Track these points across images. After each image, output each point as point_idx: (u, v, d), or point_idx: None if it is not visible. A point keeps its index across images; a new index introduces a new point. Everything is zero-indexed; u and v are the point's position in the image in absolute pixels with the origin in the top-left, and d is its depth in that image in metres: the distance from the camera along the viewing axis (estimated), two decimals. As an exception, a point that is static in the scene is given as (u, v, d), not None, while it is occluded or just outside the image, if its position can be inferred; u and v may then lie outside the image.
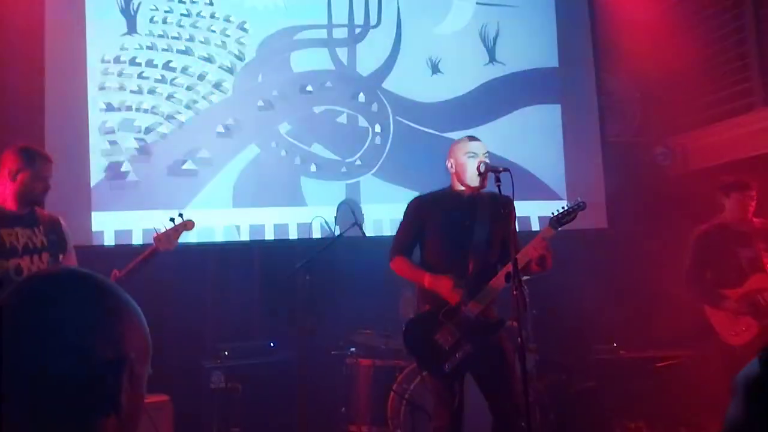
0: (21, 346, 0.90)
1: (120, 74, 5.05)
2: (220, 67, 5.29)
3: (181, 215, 3.58)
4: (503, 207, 3.35)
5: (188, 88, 5.20)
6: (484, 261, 3.49)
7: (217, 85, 5.28)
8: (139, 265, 3.41)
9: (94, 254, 4.42)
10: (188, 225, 3.59)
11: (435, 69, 5.86)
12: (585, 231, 5.19)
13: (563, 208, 3.46)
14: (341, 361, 4.73)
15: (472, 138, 3.61)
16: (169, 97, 5.15)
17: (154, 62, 5.14)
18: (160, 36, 5.18)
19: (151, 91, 5.11)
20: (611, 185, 6.05)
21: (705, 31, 6.01)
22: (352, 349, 4.71)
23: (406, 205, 3.71)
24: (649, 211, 5.84)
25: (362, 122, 5.65)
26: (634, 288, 5.44)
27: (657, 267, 5.50)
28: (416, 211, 3.62)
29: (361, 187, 5.56)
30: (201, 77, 5.24)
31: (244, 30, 5.40)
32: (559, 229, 3.40)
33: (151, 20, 5.17)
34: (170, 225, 3.54)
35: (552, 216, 3.45)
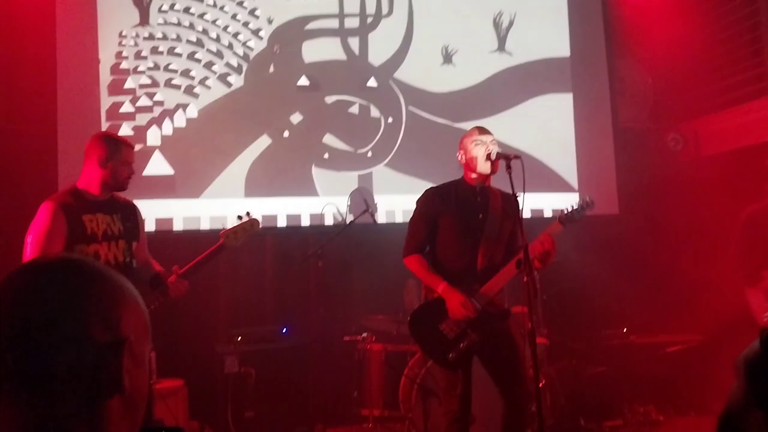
0: (19, 340, 0.90)
1: (131, 65, 5.10)
2: (231, 58, 5.33)
3: (248, 213, 3.54)
4: (512, 204, 3.35)
5: (200, 79, 5.24)
6: (494, 255, 3.51)
7: (229, 76, 5.31)
8: (204, 260, 3.41)
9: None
10: (254, 224, 3.55)
11: (447, 58, 5.86)
12: (596, 217, 5.17)
13: (572, 206, 3.48)
14: (353, 346, 4.78)
15: (479, 128, 3.63)
16: (181, 87, 5.19)
17: (166, 53, 5.18)
18: (173, 25, 5.22)
19: (163, 82, 5.16)
20: (623, 171, 6.05)
21: (717, 16, 5.97)
22: (364, 334, 4.76)
23: (418, 196, 3.70)
24: (661, 197, 5.83)
25: (374, 112, 5.66)
26: (645, 273, 5.45)
27: (668, 253, 5.51)
28: (429, 204, 3.62)
29: (373, 177, 5.58)
30: (212, 68, 5.28)
31: (256, 18, 5.42)
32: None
33: (162, 10, 5.21)
34: (237, 222, 3.51)
35: (561, 213, 3.47)
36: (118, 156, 3.30)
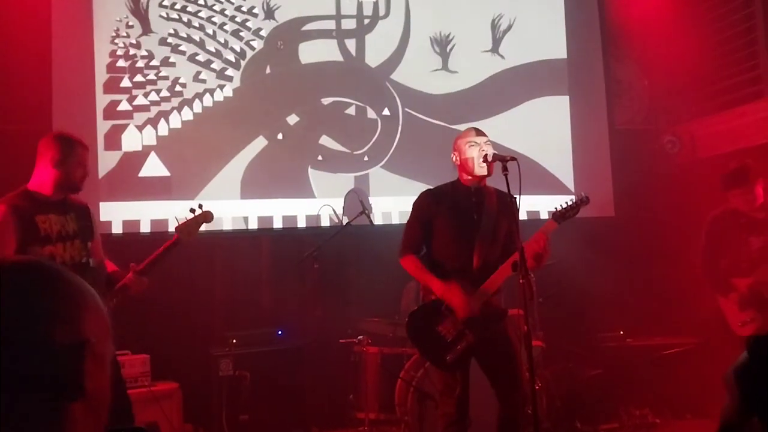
0: None
1: (127, 64, 5.08)
2: (228, 58, 5.31)
3: (200, 206, 3.55)
4: (508, 204, 3.34)
5: (196, 79, 5.22)
6: (489, 255, 3.50)
7: (225, 77, 5.29)
8: (160, 255, 3.40)
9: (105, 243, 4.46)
10: (207, 216, 3.56)
11: (444, 60, 5.85)
12: (592, 219, 5.19)
13: (567, 203, 3.47)
14: (349, 349, 4.76)
15: (474, 129, 3.62)
16: (177, 87, 5.17)
17: (162, 53, 5.16)
18: (170, 21, 5.20)
19: (158, 82, 5.14)
20: (619, 173, 6.05)
21: (713, 19, 5.98)
22: (360, 337, 4.74)
23: (414, 198, 3.71)
24: (657, 199, 5.83)
25: (371, 114, 5.65)
26: (641, 276, 5.45)
27: (664, 255, 5.51)
28: (424, 206, 3.62)
29: (370, 179, 5.57)
30: (209, 68, 5.26)
31: (254, 17, 5.40)
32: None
33: (161, 5, 5.18)
34: (190, 215, 3.51)
35: (555, 210, 3.46)
36: (72, 157, 3.26)
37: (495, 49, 5.98)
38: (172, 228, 4.98)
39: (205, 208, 3.55)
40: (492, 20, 6.00)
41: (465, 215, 3.54)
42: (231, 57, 5.33)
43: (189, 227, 3.49)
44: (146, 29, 5.14)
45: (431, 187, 3.73)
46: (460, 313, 3.37)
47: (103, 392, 0.98)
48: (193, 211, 3.52)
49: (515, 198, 3.28)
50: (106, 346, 0.99)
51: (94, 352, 0.95)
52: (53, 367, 0.90)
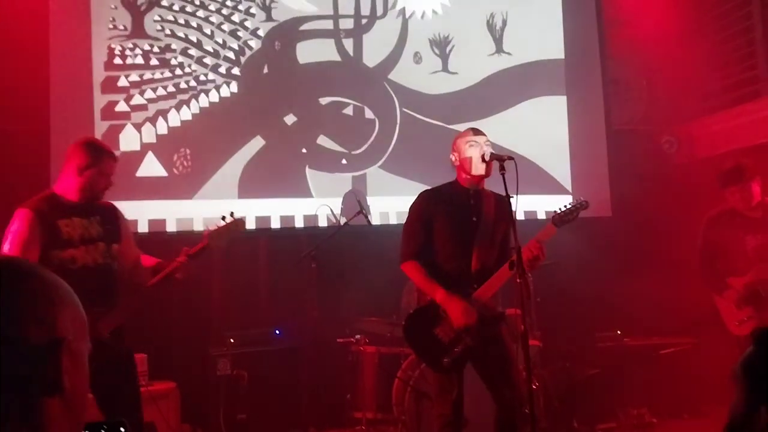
0: None
1: (124, 64, 5.08)
2: (225, 58, 5.31)
3: (232, 214, 3.48)
4: (506, 208, 3.33)
5: (193, 79, 5.22)
6: (487, 257, 3.49)
7: (222, 77, 5.29)
8: (188, 260, 3.33)
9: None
10: (240, 224, 3.49)
11: (442, 61, 5.86)
12: (589, 219, 5.18)
13: (566, 206, 3.46)
14: (347, 349, 4.76)
15: (473, 129, 3.62)
16: (174, 88, 5.17)
17: (160, 53, 5.16)
18: (167, 23, 5.20)
19: (155, 82, 5.13)
20: (616, 173, 6.05)
21: (711, 19, 5.99)
22: (357, 337, 4.74)
23: (412, 198, 3.67)
24: (654, 199, 5.84)
25: (369, 114, 5.65)
26: (638, 276, 5.45)
27: (661, 255, 5.51)
28: (423, 207, 3.58)
29: (367, 179, 5.57)
30: (206, 68, 5.27)
31: (251, 17, 5.40)
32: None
33: (160, 5, 5.18)
34: (221, 222, 3.45)
35: (554, 214, 3.45)
36: (98, 166, 3.24)
37: (496, 49, 5.99)
38: (170, 228, 5.03)
39: (237, 215, 3.48)
40: (488, 20, 6.00)
41: (463, 217, 3.52)
42: (229, 56, 5.32)
43: (220, 234, 3.42)
44: (144, 30, 5.14)
45: (429, 188, 3.72)
46: (457, 323, 3.36)
47: (81, 389, 0.98)
48: (224, 218, 3.46)
49: (512, 197, 3.27)
50: (83, 343, 0.99)
51: (70, 350, 0.95)
52: (28, 366, 0.91)
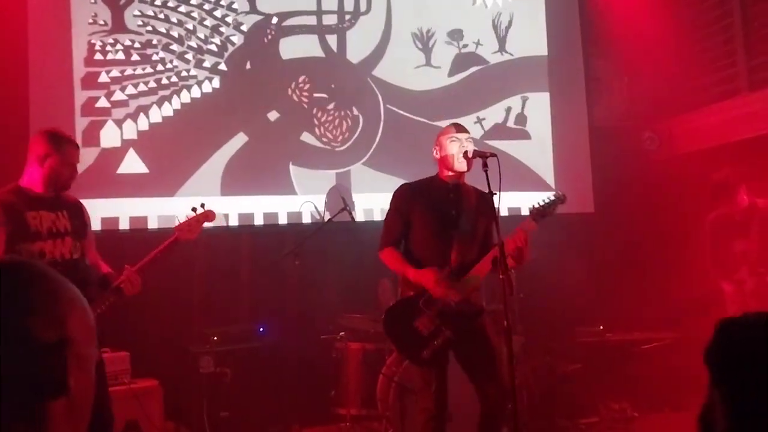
0: None
1: (105, 59, 5.03)
2: (207, 54, 5.28)
3: (202, 205, 3.47)
4: (487, 203, 3.35)
5: (175, 75, 5.18)
6: (468, 251, 3.51)
7: (205, 71, 5.26)
8: (159, 255, 3.31)
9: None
10: (209, 215, 3.48)
11: (426, 57, 5.86)
12: (572, 215, 5.23)
13: (544, 200, 3.49)
14: (330, 345, 4.76)
15: (456, 125, 3.63)
16: (155, 83, 5.13)
17: (141, 48, 5.12)
18: (148, 19, 5.15)
19: (136, 78, 5.09)
20: (599, 170, 6.09)
21: (691, 16, 6.04)
22: (342, 333, 4.74)
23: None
24: (636, 195, 5.88)
25: (352, 110, 5.64)
26: (620, 271, 5.50)
27: (643, 250, 5.56)
28: (403, 200, 3.61)
29: (351, 175, 5.56)
30: (188, 63, 5.23)
31: (233, 12, 5.37)
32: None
33: (139, 4, 5.14)
34: (192, 214, 3.44)
35: (532, 208, 3.47)
36: (59, 154, 3.19)
37: (481, 46, 6.00)
38: (152, 225, 5.00)
39: (207, 208, 3.47)
40: (479, 18, 6.01)
41: (443, 210, 3.54)
42: (212, 49, 5.29)
43: (190, 226, 3.40)
44: (125, 24, 5.09)
45: (409, 182, 3.74)
46: (435, 293, 3.35)
47: (86, 394, 0.98)
48: (194, 210, 3.44)
49: (495, 194, 3.28)
50: (90, 348, 0.99)
51: (77, 352, 0.95)
52: (36, 363, 0.91)
